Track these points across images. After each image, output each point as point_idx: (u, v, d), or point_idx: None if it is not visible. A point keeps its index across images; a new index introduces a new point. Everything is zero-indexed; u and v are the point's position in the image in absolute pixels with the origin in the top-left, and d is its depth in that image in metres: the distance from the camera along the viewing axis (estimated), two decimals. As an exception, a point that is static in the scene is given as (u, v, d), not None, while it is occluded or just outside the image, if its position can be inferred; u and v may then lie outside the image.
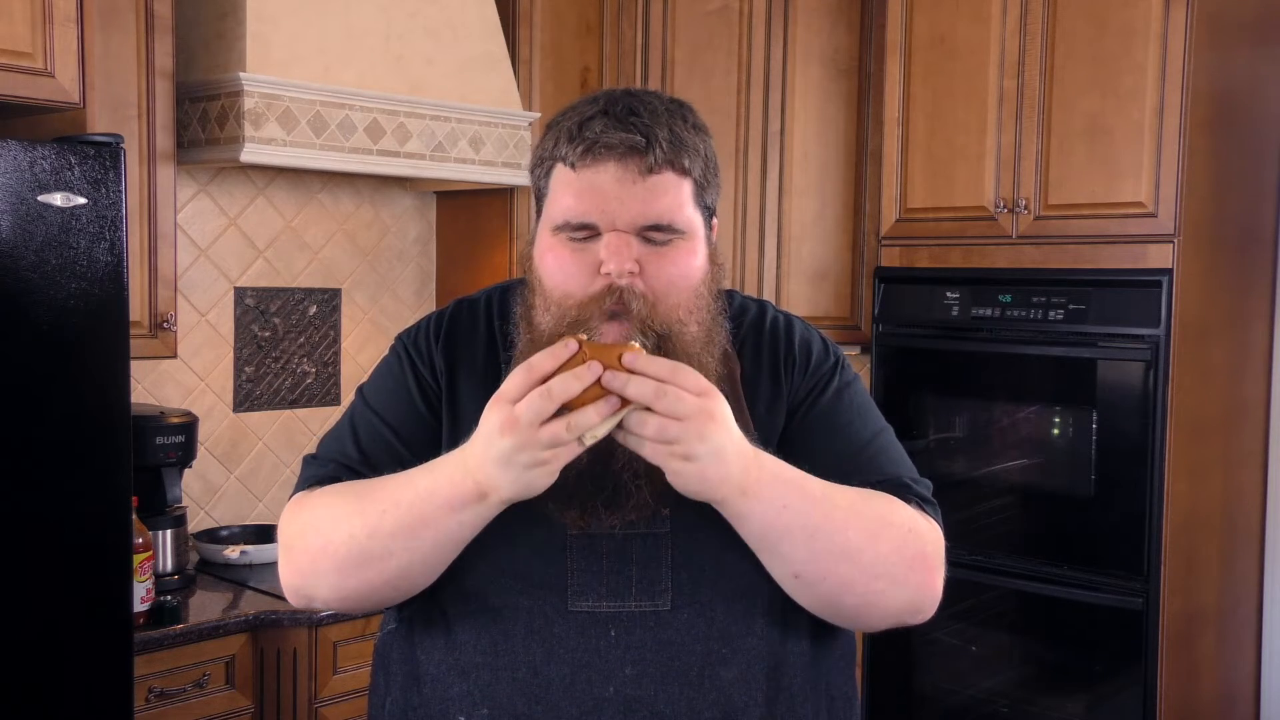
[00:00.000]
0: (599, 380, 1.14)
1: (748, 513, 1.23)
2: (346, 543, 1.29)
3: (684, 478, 1.19)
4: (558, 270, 1.30)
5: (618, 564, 1.30)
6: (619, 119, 1.30)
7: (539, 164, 1.36)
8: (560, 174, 1.32)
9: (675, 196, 1.30)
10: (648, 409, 1.16)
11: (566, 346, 1.16)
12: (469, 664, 1.32)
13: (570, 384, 1.14)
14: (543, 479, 1.19)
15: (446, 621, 1.34)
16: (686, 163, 1.31)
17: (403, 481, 1.29)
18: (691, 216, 1.32)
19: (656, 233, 1.29)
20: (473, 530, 1.26)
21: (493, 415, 1.18)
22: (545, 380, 1.15)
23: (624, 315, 1.27)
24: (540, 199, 1.37)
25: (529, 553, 1.30)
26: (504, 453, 1.17)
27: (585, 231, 1.30)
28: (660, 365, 1.16)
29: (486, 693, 1.30)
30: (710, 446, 1.17)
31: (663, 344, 1.27)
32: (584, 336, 1.19)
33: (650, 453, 1.18)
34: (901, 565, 1.30)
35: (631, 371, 1.16)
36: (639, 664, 1.28)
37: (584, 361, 1.15)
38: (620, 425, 1.17)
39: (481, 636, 1.31)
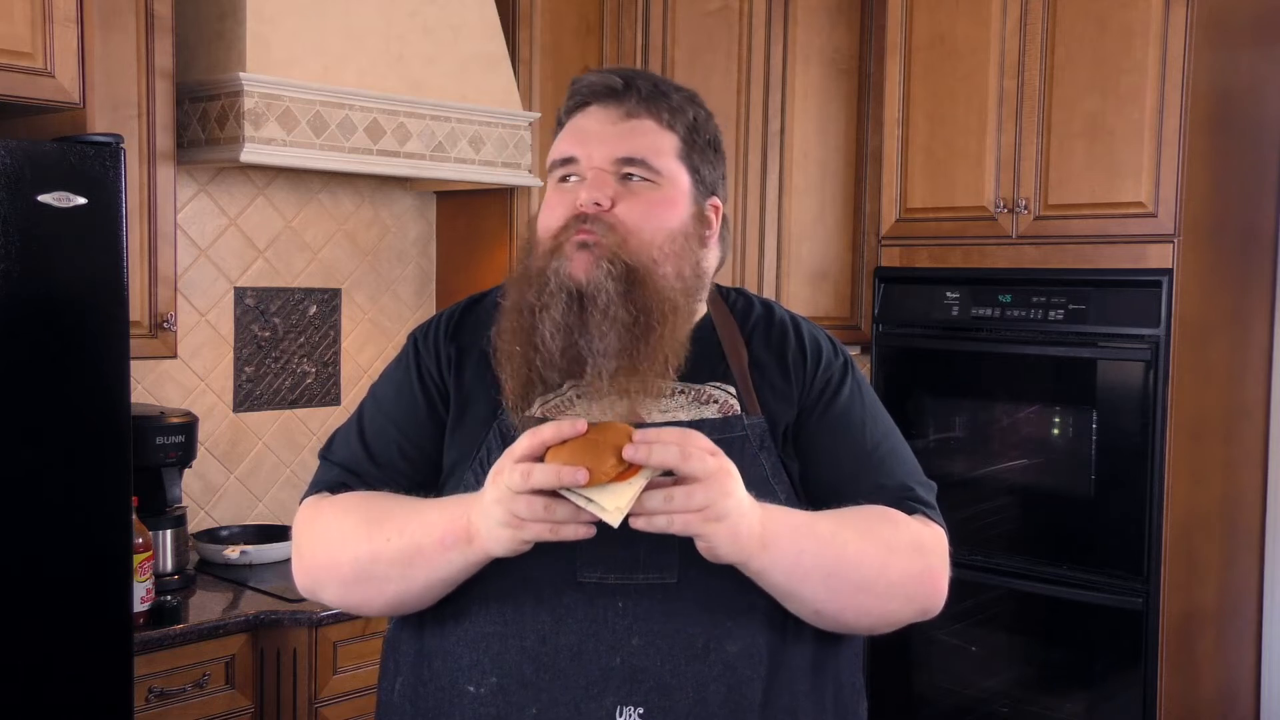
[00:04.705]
0: (619, 457, 1.16)
1: (770, 565, 1.26)
2: (351, 564, 1.35)
3: (717, 539, 1.21)
4: (546, 210, 1.39)
5: (628, 537, 1.32)
6: (606, 71, 1.42)
7: (555, 134, 1.46)
8: (561, 131, 1.43)
9: (654, 140, 1.39)
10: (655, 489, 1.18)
11: (574, 426, 1.19)
12: (479, 634, 1.34)
13: (549, 475, 1.16)
14: (508, 540, 1.22)
15: (456, 595, 1.36)
16: (667, 116, 1.40)
17: (412, 511, 1.33)
18: (673, 168, 1.39)
19: (632, 167, 1.36)
20: (460, 573, 1.30)
21: (498, 465, 1.23)
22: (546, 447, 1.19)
23: (593, 245, 1.33)
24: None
25: None
26: (487, 503, 1.22)
27: (568, 167, 1.39)
28: (671, 432, 1.19)
29: (496, 662, 1.33)
30: (734, 501, 1.21)
31: (631, 276, 1.32)
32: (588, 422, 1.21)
33: (683, 524, 1.19)
34: (912, 584, 1.35)
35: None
36: (646, 635, 1.31)
37: (592, 442, 1.17)
38: (635, 513, 1.18)
39: (491, 607, 1.34)
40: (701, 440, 1.20)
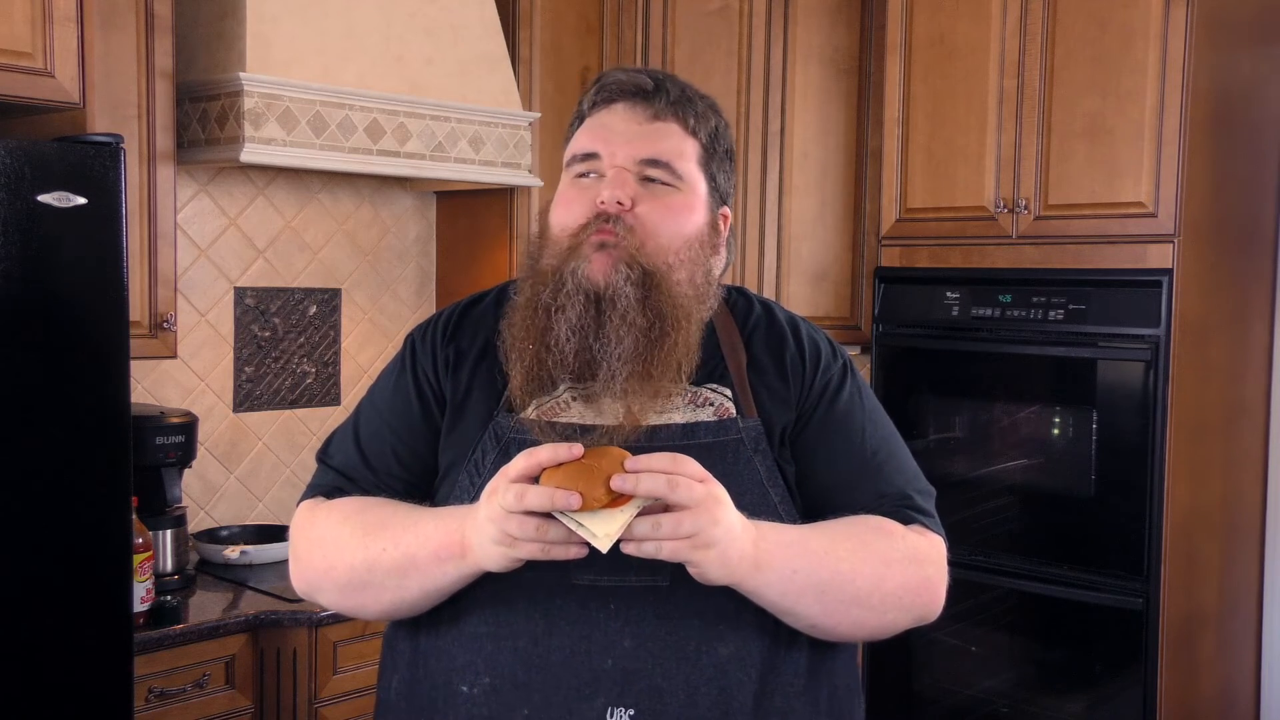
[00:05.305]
0: (608, 486, 1.17)
1: (763, 585, 1.27)
2: (347, 572, 1.36)
3: (707, 566, 1.22)
4: (562, 206, 1.38)
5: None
6: (635, 70, 1.42)
7: (569, 129, 1.45)
8: (580, 125, 1.42)
9: (678, 145, 1.39)
10: (646, 513, 1.19)
11: (570, 450, 1.20)
12: (472, 635, 1.35)
13: (543, 498, 1.17)
14: (500, 557, 1.23)
15: (451, 595, 1.36)
16: (693, 122, 1.40)
17: (408, 521, 1.34)
18: (693, 173, 1.40)
19: (655, 169, 1.36)
20: (454, 584, 1.32)
21: (492, 484, 1.23)
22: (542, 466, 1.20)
23: (612, 246, 1.32)
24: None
25: None
26: (481, 520, 1.23)
27: (588, 163, 1.37)
28: (661, 459, 1.20)
29: (489, 663, 1.33)
30: (723, 529, 1.21)
31: (648, 280, 1.32)
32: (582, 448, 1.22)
33: (671, 551, 1.20)
34: (908, 595, 1.35)
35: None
36: (637, 637, 1.31)
37: (586, 467, 1.18)
38: (624, 539, 1.19)
39: (485, 608, 1.34)
40: (691, 467, 1.20)
